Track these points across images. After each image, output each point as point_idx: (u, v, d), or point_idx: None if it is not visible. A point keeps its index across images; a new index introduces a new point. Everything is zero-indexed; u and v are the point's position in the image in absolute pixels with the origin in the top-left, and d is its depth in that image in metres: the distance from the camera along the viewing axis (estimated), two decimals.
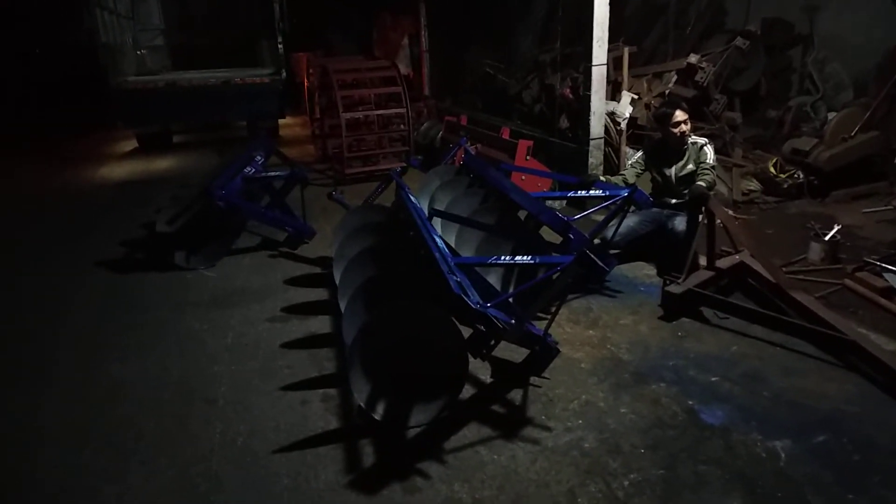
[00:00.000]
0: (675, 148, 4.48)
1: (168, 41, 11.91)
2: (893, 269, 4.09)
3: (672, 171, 4.52)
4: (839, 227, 4.64)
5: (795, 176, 5.83)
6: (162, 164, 9.32)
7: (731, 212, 5.54)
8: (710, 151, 4.42)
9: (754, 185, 5.99)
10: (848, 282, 4.13)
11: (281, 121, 10.57)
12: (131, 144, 10.39)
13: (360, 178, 7.38)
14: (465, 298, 2.74)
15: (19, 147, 11.13)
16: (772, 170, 5.84)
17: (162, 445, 2.87)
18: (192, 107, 8.92)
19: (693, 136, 4.49)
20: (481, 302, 2.80)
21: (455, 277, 2.99)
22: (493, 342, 2.93)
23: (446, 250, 3.40)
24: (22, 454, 2.88)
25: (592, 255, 2.83)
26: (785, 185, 5.78)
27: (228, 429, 2.96)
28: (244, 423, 3.00)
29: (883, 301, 3.85)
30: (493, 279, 3.80)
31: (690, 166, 4.44)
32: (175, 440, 2.91)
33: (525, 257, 3.11)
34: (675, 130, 4.41)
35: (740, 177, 6.07)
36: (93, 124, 12.00)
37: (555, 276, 2.92)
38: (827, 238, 4.54)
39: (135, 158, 9.77)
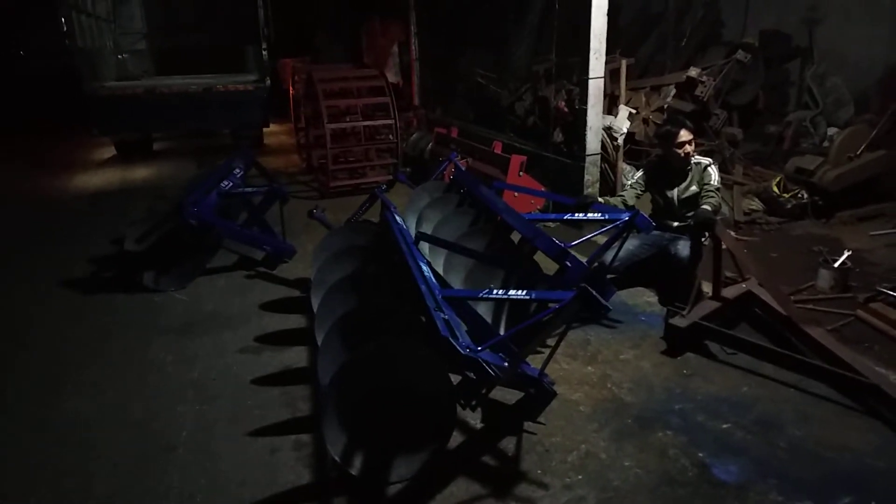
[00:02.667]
0: (678, 168, 4.22)
1: (151, 45, 11.55)
2: None
3: (674, 192, 4.26)
4: (849, 252, 4.39)
5: (799, 196, 5.60)
6: (141, 172, 8.96)
7: (733, 234, 5.30)
8: (714, 172, 4.16)
9: (756, 204, 5.75)
10: (861, 313, 3.88)
11: (266, 129, 10.24)
12: (110, 151, 10.03)
13: (346, 192, 7.08)
14: (454, 343, 2.45)
15: None
16: (775, 189, 5.61)
17: (112, 499, 2.56)
18: (172, 114, 8.57)
19: (697, 156, 4.23)
20: (471, 346, 2.51)
21: (442, 315, 2.70)
22: (484, 391, 2.64)
23: (433, 281, 3.11)
24: None
25: (593, 292, 2.54)
26: (788, 206, 5.54)
27: (187, 482, 2.65)
28: (205, 476, 2.68)
29: None
30: (484, 310, 3.51)
31: (694, 188, 4.18)
32: (129, 495, 2.59)
33: (519, 292, 2.82)
34: (680, 151, 4.15)
35: (741, 195, 5.84)
36: (71, 130, 11.61)
37: (552, 313, 2.64)
38: (836, 265, 4.29)
39: (113, 166, 9.40)
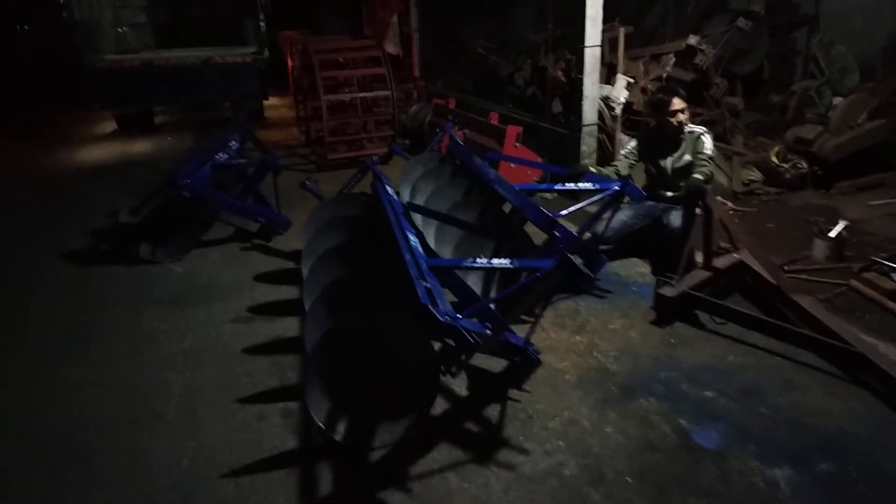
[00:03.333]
0: (672, 138, 4.18)
1: (151, 18, 11.46)
2: None
3: (668, 162, 4.22)
4: (845, 223, 4.35)
5: (799, 166, 5.53)
6: (141, 146, 8.97)
7: (730, 203, 5.27)
8: (707, 141, 4.11)
9: (755, 174, 5.69)
10: (854, 283, 3.86)
11: (266, 102, 10.19)
12: (111, 126, 10.03)
13: (344, 164, 7.05)
14: (433, 310, 2.46)
15: None
16: (774, 159, 5.54)
17: (98, 465, 2.61)
18: (171, 87, 8.54)
19: (690, 125, 4.18)
20: (451, 313, 2.52)
21: (424, 283, 2.70)
22: (464, 357, 2.65)
23: (419, 250, 3.11)
24: None
25: (574, 260, 2.55)
26: (787, 176, 5.48)
27: (174, 447, 2.70)
28: (192, 441, 2.73)
29: (891, 304, 3.58)
30: (473, 281, 3.52)
31: (687, 157, 4.14)
32: (114, 459, 2.65)
33: (503, 260, 2.83)
34: (673, 119, 4.10)
35: (741, 166, 5.77)
36: (73, 104, 11.61)
37: (534, 281, 2.65)
38: (832, 235, 4.26)
39: (113, 140, 9.41)
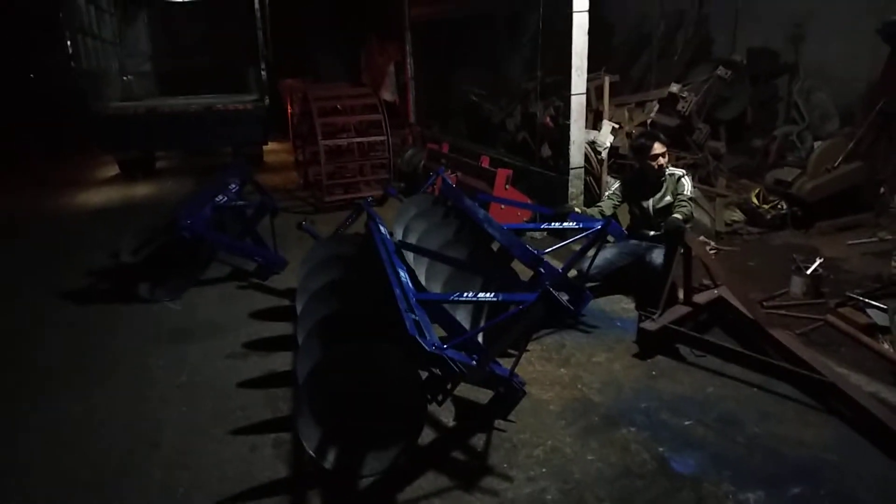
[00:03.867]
0: (653, 180, 4.38)
1: (155, 67, 11.86)
2: (876, 304, 3.97)
3: (650, 202, 4.41)
4: (821, 260, 4.52)
5: (779, 207, 5.73)
6: (142, 190, 9.18)
7: (712, 243, 5.44)
8: (687, 182, 4.31)
9: (737, 215, 5.89)
10: (830, 318, 3.99)
11: (266, 147, 10.47)
12: (113, 170, 10.26)
13: (341, 206, 7.24)
14: (419, 340, 2.59)
15: (2, 170, 10.99)
16: (754, 200, 5.74)
17: (99, 494, 2.69)
18: (174, 133, 8.81)
19: (671, 168, 4.39)
20: (437, 343, 2.65)
21: (413, 316, 2.84)
22: (449, 387, 2.77)
23: (409, 286, 3.25)
24: None
25: (556, 295, 2.69)
26: (768, 216, 5.67)
27: (169, 477, 2.78)
28: (187, 471, 2.82)
29: (865, 338, 3.71)
30: (462, 316, 3.65)
31: (668, 198, 4.33)
32: (113, 488, 2.72)
33: (489, 294, 2.97)
34: (654, 163, 4.31)
35: (723, 207, 5.97)
36: (76, 149, 11.91)
37: (518, 314, 2.78)
38: (809, 272, 4.41)
39: (115, 184, 9.63)
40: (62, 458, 2.94)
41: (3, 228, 7.38)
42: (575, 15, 5.29)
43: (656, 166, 4.33)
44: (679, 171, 4.36)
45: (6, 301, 5.00)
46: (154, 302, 4.73)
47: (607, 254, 4.42)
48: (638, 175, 4.51)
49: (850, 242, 5.37)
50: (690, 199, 4.32)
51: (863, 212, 5.83)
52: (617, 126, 6.23)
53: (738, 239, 5.69)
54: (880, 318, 3.87)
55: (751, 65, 8.03)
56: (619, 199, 4.54)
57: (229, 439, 3.04)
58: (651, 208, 4.41)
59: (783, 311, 4.20)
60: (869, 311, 3.97)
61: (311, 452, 2.60)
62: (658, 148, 4.31)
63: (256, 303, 4.70)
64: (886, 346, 3.64)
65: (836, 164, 5.70)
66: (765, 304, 4.28)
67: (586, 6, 5.30)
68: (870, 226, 5.68)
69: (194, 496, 2.66)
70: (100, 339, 4.21)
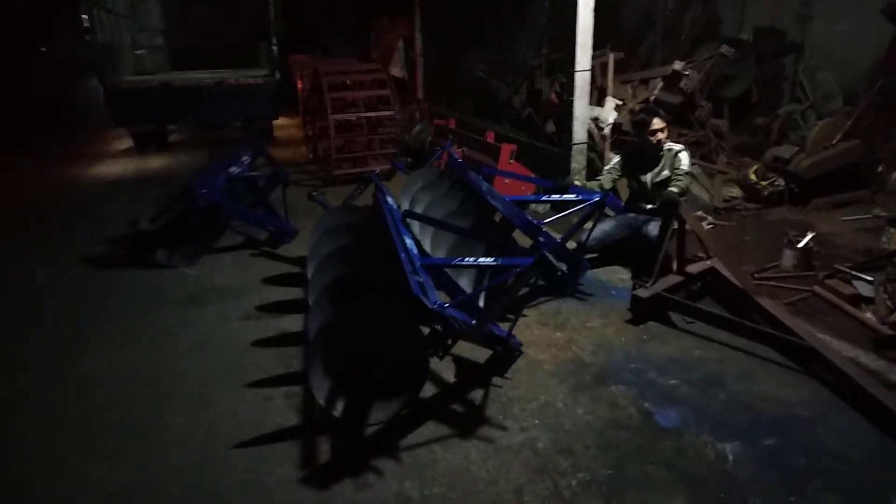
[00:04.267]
0: (651, 154, 4.52)
1: (167, 42, 12.00)
2: (862, 276, 4.12)
3: (648, 177, 4.56)
4: (813, 234, 4.66)
5: (776, 183, 5.86)
6: (156, 162, 9.40)
7: (710, 217, 5.58)
8: (685, 157, 4.45)
9: (736, 191, 6.02)
10: (817, 289, 4.16)
11: (276, 122, 10.63)
12: (127, 143, 10.47)
13: (349, 180, 7.41)
14: (423, 298, 2.78)
15: (19, 143, 11.21)
16: (752, 176, 5.87)
17: (124, 438, 2.93)
18: (186, 107, 8.98)
19: (670, 143, 4.52)
20: (439, 302, 2.85)
21: (417, 278, 3.03)
22: (449, 342, 2.97)
23: (414, 251, 3.44)
24: None
25: (551, 258, 2.86)
26: (765, 193, 5.80)
27: (190, 423, 3.01)
28: (206, 418, 3.05)
29: (849, 308, 3.88)
30: (464, 283, 3.84)
31: (666, 172, 4.47)
32: (138, 434, 2.96)
33: (488, 259, 3.16)
34: (652, 138, 4.45)
35: (722, 183, 6.10)
36: (90, 123, 12.12)
37: (515, 277, 2.97)
38: (800, 245, 4.56)
39: (129, 157, 9.85)
40: (91, 405, 3.18)
41: (22, 199, 7.61)
42: None
43: (654, 141, 4.47)
44: (677, 147, 4.50)
45: (29, 267, 5.22)
46: (171, 267, 4.95)
47: (605, 226, 4.59)
48: (637, 150, 4.65)
49: (844, 218, 5.50)
50: (688, 173, 4.46)
51: (860, 189, 5.95)
52: (620, 103, 6.35)
53: (735, 215, 5.83)
54: (866, 290, 4.03)
55: (757, 43, 8.08)
56: (619, 174, 4.69)
57: (245, 391, 3.27)
58: (649, 182, 4.56)
59: (773, 283, 4.36)
60: (855, 282, 4.12)
61: (321, 402, 2.81)
62: (657, 123, 4.44)
63: (269, 269, 4.91)
64: (869, 315, 3.81)
65: (835, 141, 5.81)
66: (756, 275, 4.44)
67: None
68: (866, 203, 5.79)
69: (213, 440, 2.88)
70: (121, 302, 4.43)
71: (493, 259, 3.14)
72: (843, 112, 6.36)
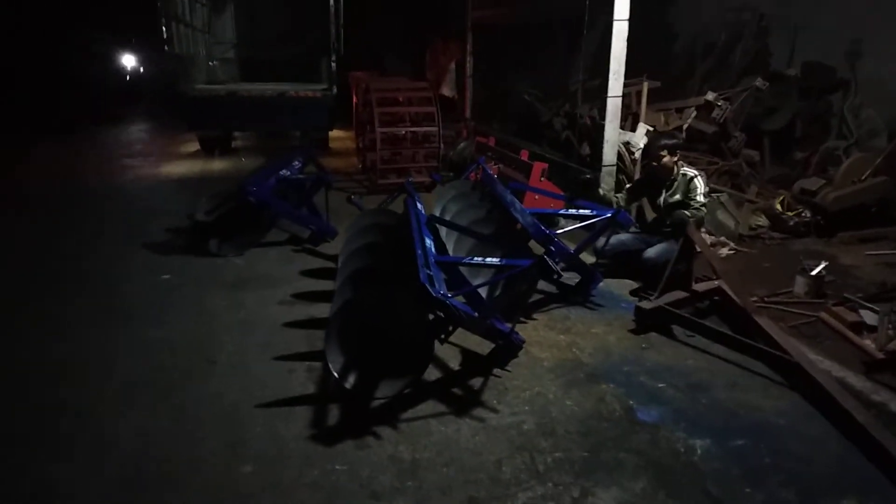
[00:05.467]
0: (663, 177, 4.73)
1: (239, 54, 12.87)
2: (868, 305, 4.24)
3: (661, 198, 4.79)
4: (826, 263, 4.78)
5: (803, 215, 5.96)
6: (219, 164, 10.11)
7: (732, 244, 5.74)
8: (699, 184, 4.61)
9: (762, 220, 6.14)
10: (823, 315, 4.29)
11: (333, 134, 11.25)
12: (195, 146, 11.25)
13: (392, 189, 7.86)
14: (429, 287, 3.13)
15: (100, 137, 12.21)
16: (777, 206, 5.99)
17: (167, 392, 3.38)
18: (250, 115, 9.67)
19: (685, 168, 4.73)
20: (443, 291, 3.19)
21: (427, 271, 3.39)
22: (450, 328, 3.30)
23: (432, 250, 3.80)
24: (58, 380, 3.44)
25: (549, 261, 3.17)
26: (791, 223, 5.92)
27: (222, 383, 3.44)
28: (236, 382, 3.47)
29: (850, 334, 4.01)
30: (477, 282, 4.16)
31: (678, 196, 4.67)
32: (178, 390, 3.40)
33: (493, 258, 3.48)
34: (658, 162, 4.67)
35: (750, 212, 6.24)
36: (165, 125, 13.07)
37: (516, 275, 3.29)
38: (813, 273, 4.70)
39: (196, 158, 10.62)
40: (139, 368, 3.65)
41: (96, 191, 8.37)
42: (615, 23, 5.71)
43: (664, 166, 4.68)
44: (691, 172, 4.69)
45: (100, 251, 5.82)
46: (221, 256, 5.46)
47: (622, 236, 4.84)
48: (651, 173, 4.90)
49: (868, 252, 5.56)
50: (704, 204, 4.61)
51: (888, 225, 5.99)
52: (652, 129, 6.59)
53: (759, 243, 5.95)
54: (870, 318, 4.14)
55: (804, 78, 8.16)
56: (635, 193, 4.95)
57: (272, 363, 3.68)
58: (662, 203, 4.79)
59: (782, 307, 4.51)
60: (862, 311, 4.24)
61: (335, 374, 3.19)
62: (661, 150, 4.65)
63: (307, 263, 5.37)
64: (869, 342, 3.93)
65: (864, 177, 5.88)
66: (766, 299, 4.60)
67: (626, 15, 5.71)
68: (893, 239, 5.83)
69: (242, 399, 3.29)
70: (174, 283, 4.95)
71: (497, 259, 3.46)
72: (877, 149, 6.41)
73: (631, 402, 3.28)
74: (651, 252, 4.56)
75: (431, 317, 3.38)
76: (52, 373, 3.59)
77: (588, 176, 4.94)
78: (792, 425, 3.08)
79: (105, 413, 3.19)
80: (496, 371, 3.57)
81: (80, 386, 3.45)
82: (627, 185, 5.02)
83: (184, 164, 10.16)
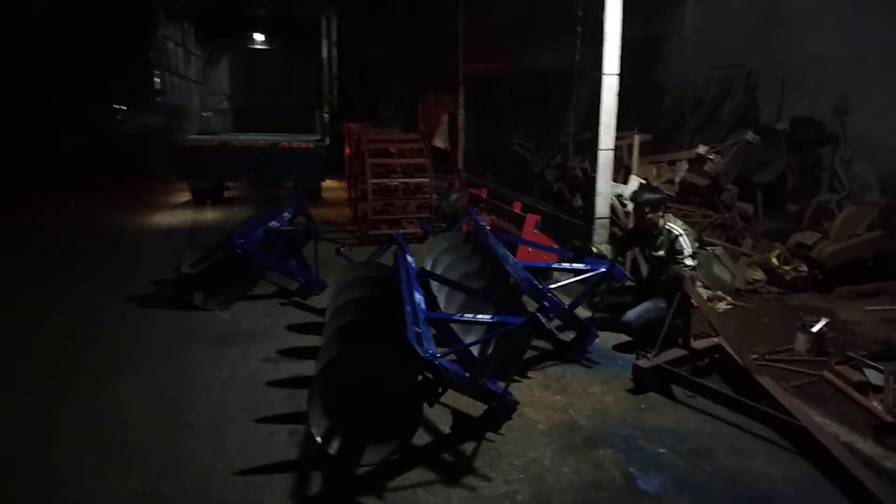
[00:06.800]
0: (646, 232, 4.64)
1: (233, 105, 12.98)
2: (873, 364, 4.11)
3: (646, 253, 4.70)
4: (826, 320, 4.67)
5: (800, 269, 5.89)
6: (211, 214, 10.03)
7: (729, 298, 5.63)
8: (685, 243, 4.46)
9: (759, 274, 6.06)
10: (826, 374, 4.15)
11: (325, 184, 11.24)
12: (186, 196, 11.18)
13: (383, 240, 7.76)
14: (416, 347, 2.99)
15: (88, 190, 12.12)
16: (774, 261, 5.92)
17: (140, 455, 3.18)
18: (242, 165, 9.66)
19: (670, 224, 4.57)
20: (432, 351, 3.04)
21: (416, 328, 3.24)
22: (440, 389, 3.14)
23: (421, 306, 3.67)
24: (25, 445, 3.23)
25: (542, 319, 3.04)
26: (787, 277, 5.83)
27: (199, 449, 3.24)
28: (215, 446, 3.27)
29: (855, 394, 3.87)
30: (469, 339, 4.02)
31: (662, 252, 4.55)
32: (152, 453, 3.21)
33: (485, 315, 3.35)
34: (644, 219, 4.60)
35: (746, 266, 6.16)
36: (156, 176, 13.04)
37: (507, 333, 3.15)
38: (814, 330, 4.58)
39: (187, 208, 10.53)
40: (116, 421, 3.48)
41: (84, 239, 8.23)
42: (605, 77, 5.74)
43: (647, 222, 4.59)
44: (677, 230, 4.51)
45: (79, 301, 5.66)
46: (206, 310, 5.30)
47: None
48: (636, 227, 4.82)
49: (868, 308, 5.46)
50: (692, 267, 4.47)
51: (887, 280, 5.91)
52: (644, 181, 6.56)
53: (757, 297, 5.85)
54: (875, 378, 4.00)
55: (793, 132, 8.24)
56: (621, 246, 4.89)
57: (253, 425, 3.49)
58: (648, 258, 4.70)
59: (783, 365, 4.37)
60: (866, 370, 4.11)
61: (318, 439, 3.00)
62: (644, 206, 4.57)
63: (294, 317, 5.21)
64: (875, 403, 3.79)
65: (859, 231, 5.84)
66: (767, 357, 4.47)
67: (616, 70, 5.75)
68: (892, 294, 5.75)
69: (217, 465, 3.10)
70: (155, 338, 4.77)
71: (489, 316, 3.33)
72: (871, 202, 6.40)
73: (631, 469, 3.10)
74: (631, 315, 4.43)
75: (420, 377, 3.21)
76: (18, 432, 3.39)
77: (579, 244, 4.88)
78: (801, 496, 2.91)
79: (70, 481, 2.98)
80: (489, 435, 3.39)
81: (46, 449, 3.25)
82: (616, 238, 4.94)
83: (175, 213, 10.07)
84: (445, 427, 3.49)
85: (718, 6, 9.51)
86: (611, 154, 5.93)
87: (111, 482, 2.96)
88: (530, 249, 6.10)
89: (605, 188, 5.97)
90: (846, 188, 7.62)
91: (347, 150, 10.56)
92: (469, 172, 9.95)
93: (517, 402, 3.52)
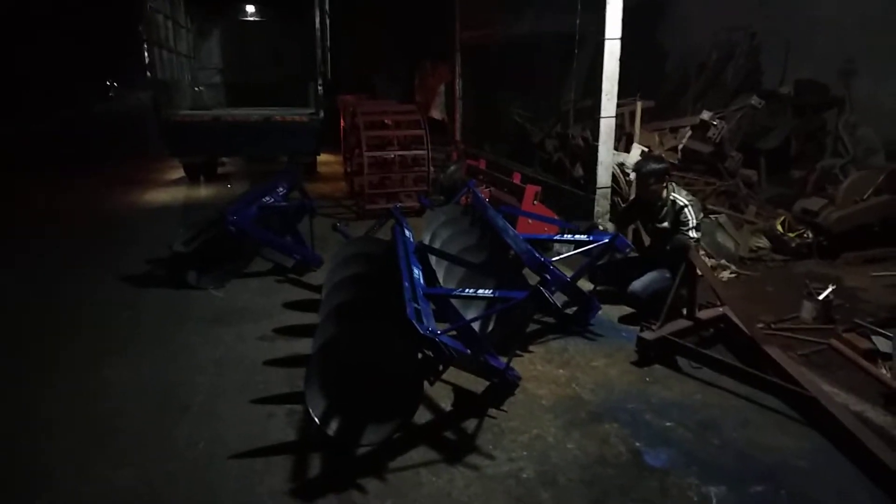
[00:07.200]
0: (650, 202, 4.50)
1: (224, 79, 12.71)
2: (882, 331, 4.02)
3: (651, 224, 4.58)
4: (833, 287, 4.58)
5: (805, 236, 5.78)
6: (204, 191, 9.88)
7: (733, 266, 5.54)
8: (690, 214, 4.31)
9: (763, 242, 5.95)
10: (834, 342, 4.07)
11: (321, 158, 11.04)
12: (179, 172, 11.02)
13: (380, 214, 7.63)
14: (416, 324, 2.89)
15: (79, 169, 11.95)
16: (778, 227, 5.81)
17: (132, 443, 3.10)
18: (234, 140, 9.45)
19: (675, 195, 4.42)
20: (432, 328, 2.95)
21: (415, 305, 3.14)
22: (440, 368, 3.05)
23: (420, 281, 3.56)
24: (13, 437, 3.15)
25: (545, 292, 2.94)
26: (792, 244, 5.72)
27: (194, 433, 3.16)
28: (210, 430, 3.19)
29: (864, 363, 3.79)
30: (469, 314, 3.92)
31: (666, 224, 4.42)
32: (145, 439, 3.13)
33: (486, 290, 3.25)
34: (648, 189, 4.45)
35: (750, 234, 6.05)
36: (146, 152, 12.85)
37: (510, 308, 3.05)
38: (820, 298, 4.49)
39: (180, 185, 10.37)
40: (108, 407, 3.38)
41: (77, 218, 8.11)
42: (607, 42, 5.55)
43: (651, 192, 4.45)
44: (682, 201, 4.37)
45: (70, 282, 5.55)
46: (200, 289, 5.20)
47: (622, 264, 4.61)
48: (639, 198, 4.69)
49: (874, 274, 5.37)
50: (697, 239, 4.33)
51: (894, 245, 5.80)
52: (646, 149, 6.42)
53: (761, 265, 5.75)
54: (883, 345, 3.92)
55: (797, 95, 8.06)
56: (627, 217, 4.76)
57: (250, 406, 3.41)
58: (652, 230, 4.58)
59: (789, 334, 4.29)
60: (874, 337, 4.03)
61: (316, 420, 2.92)
62: (649, 177, 4.42)
63: (291, 295, 5.11)
64: (884, 371, 3.71)
65: (866, 196, 5.71)
66: (773, 326, 4.38)
67: (618, 34, 5.56)
68: None
69: (213, 450, 3.02)
70: (149, 318, 4.68)
71: (490, 291, 3.23)
72: (876, 167, 6.26)
73: (637, 444, 3.03)
74: (637, 285, 4.30)
75: (420, 355, 3.12)
76: (4, 420, 3.31)
77: (584, 227, 4.75)
78: (813, 468, 2.84)
79: (64, 469, 2.90)
80: (492, 411, 3.31)
81: (34, 439, 3.16)
82: (620, 209, 4.81)
83: (168, 191, 9.92)
84: (447, 404, 3.42)
85: None
86: (612, 122, 5.77)
87: (101, 471, 2.88)
88: (530, 221, 5.99)
89: (608, 157, 5.82)
90: (851, 153, 7.48)
91: (343, 124, 10.36)
92: (467, 143, 9.76)
93: (520, 378, 3.46)
